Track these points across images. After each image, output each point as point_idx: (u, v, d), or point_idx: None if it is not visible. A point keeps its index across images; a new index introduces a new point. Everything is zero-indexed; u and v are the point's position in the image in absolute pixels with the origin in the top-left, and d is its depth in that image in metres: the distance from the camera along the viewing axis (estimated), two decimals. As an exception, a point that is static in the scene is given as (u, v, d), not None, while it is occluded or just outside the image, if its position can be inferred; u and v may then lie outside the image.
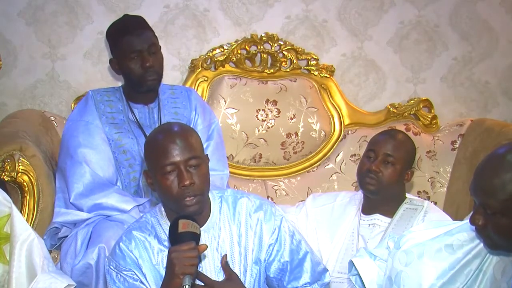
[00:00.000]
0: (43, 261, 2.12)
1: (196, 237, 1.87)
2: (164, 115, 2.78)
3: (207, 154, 2.07)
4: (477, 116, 3.64)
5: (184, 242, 1.84)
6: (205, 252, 1.97)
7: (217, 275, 2.03)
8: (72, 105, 3.33)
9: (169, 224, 2.02)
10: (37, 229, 2.54)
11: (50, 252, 2.51)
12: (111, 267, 2.02)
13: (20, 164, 2.64)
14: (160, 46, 2.77)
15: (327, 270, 2.22)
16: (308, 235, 2.57)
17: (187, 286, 1.80)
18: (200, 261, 1.88)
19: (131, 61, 2.66)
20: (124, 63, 2.68)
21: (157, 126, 2.73)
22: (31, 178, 2.66)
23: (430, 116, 3.58)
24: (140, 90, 2.73)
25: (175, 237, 1.86)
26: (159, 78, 2.75)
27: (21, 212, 2.40)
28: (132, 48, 2.65)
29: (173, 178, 1.94)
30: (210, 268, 2.03)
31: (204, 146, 2.71)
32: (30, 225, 2.35)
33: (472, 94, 3.72)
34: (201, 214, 2.01)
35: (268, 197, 3.33)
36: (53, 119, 3.23)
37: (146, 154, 2.03)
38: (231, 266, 2.05)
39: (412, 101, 3.59)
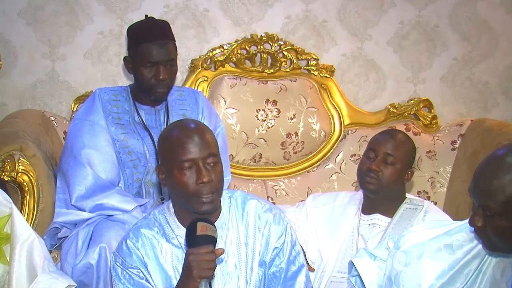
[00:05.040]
0: (44, 261, 2.12)
1: (214, 240, 1.87)
2: (172, 117, 2.76)
3: None
4: (477, 116, 3.64)
5: (202, 245, 1.84)
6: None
7: (223, 275, 2.03)
8: (72, 105, 3.34)
9: (177, 222, 2.02)
10: (37, 229, 2.54)
11: (50, 252, 2.50)
12: (117, 263, 2.01)
13: (20, 164, 2.64)
14: (177, 54, 2.74)
15: None
16: (308, 235, 2.57)
17: None
18: (216, 265, 1.88)
19: (145, 69, 2.64)
20: (138, 68, 2.66)
21: (163, 128, 2.72)
22: (31, 178, 2.66)
23: (430, 116, 3.58)
24: (147, 97, 2.73)
25: (193, 240, 1.86)
26: (168, 91, 2.74)
27: (21, 212, 2.40)
28: (150, 58, 2.62)
29: (190, 175, 1.93)
30: (217, 268, 2.01)
31: None
32: (30, 225, 2.35)
33: (472, 94, 3.72)
34: (214, 213, 2.01)
35: (268, 197, 3.34)
36: (53, 119, 3.23)
37: (161, 148, 2.02)
38: (237, 266, 2.04)
39: (412, 101, 3.60)
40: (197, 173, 1.92)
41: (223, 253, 1.89)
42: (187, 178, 1.93)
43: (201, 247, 1.84)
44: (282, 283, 2.08)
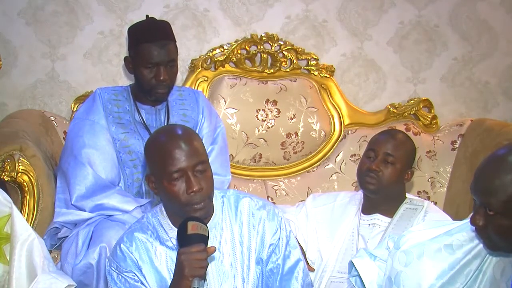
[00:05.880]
0: (44, 261, 2.12)
1: (205, 239, 1.87)
2: (173, 116, 2.77)
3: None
4: (477, 116, 3.64)
5: (193, 244, 1.84)
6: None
7: (219, 275, 2.03)
8: (72, 105, 3.34)
9: (170, 224, 2.02)
10: (37, 229, 2.54)
11: (50, 252, 2.50)
12: (112, 268, 2.02)
13: (20, 164, 2.64)
14: (178, 54, 2.74)
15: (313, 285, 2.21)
16: (308, 235, 2.57)
17: None
18: (208, 263, 1.88)
19: (146, 69, 2.64)
20: (138, 68, 2.66)
21: None
22: (31, 178, 2.66)
23: (430, 116, 3.58)
24: (148, 97, 2.73)
25: (184, 239, 1.86)
26: (169, 91, 2.73)
27: (21, 212, 2.40)
28: (151, 58, 2.62)
29: (180, 184, 1.92)
30: (212, 268, 2.02)
31: (208, 150, 2.70)
32: (30, 225, 2.35)
33: (472, 94, 3.72)
34: (207, 218, 2.01)
35: (268, 197, 3.34)
36: (53, 119, 3.23)
37: (149, 158, 2.01)
38: (233, 265, 2.04)
39: (412, 101, 3.60)
40: (187, 183, 1.92)
41: (215, 251, 1.89)
42: (177, 188, 1.92)
43: (192, 246, 1.84)
44: (280, 279, 2.08)
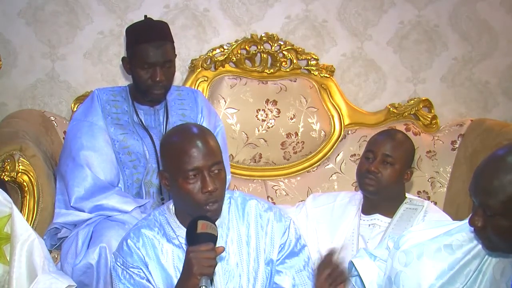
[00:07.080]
0: (44, 262, 2.12)
1: (214, 238, 1.88)
2: (171, 116, 2.77)
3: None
4: (477, 116, 3.64)
5: (202, 242, 1.85)
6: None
7: (225, 274, 2.03)
8: (72, 105, 3.34)
9: (178, 222, 2.03)
10: (37, 229, 2.54)
11: (50, 252, 2.51)
12: (118, 263, 2.02)
13: (20, 164, 2.65)
14: (176, 55, 2.74)
15: None
16: (308, 235, 2.57)
17: (204, 286, 1.82)
18: (216, 263, 1.88)
19: (142, 69, 2.64)
20: (135, 68, 2.66)
21: (163, 127, 2.73)
22: (31, 178, 2.66)
23: (430, 116, 3.58)
24: (145, 98, 2.73)
25: (194, 237, 1.87)
26: (166, 92, 2.73)
27: (21, 212, 2.40)
28: (147, 59, 2.62)
29: (195, 183, 1.93)
30: (218, 266, 2.02)
31: None
32: (30, 225, 2.35)
33: (472, 94, 3.72)
34: (218, 218, 2.01)
35: (268, 197, 3.34)
36: (53, 119, 3.23)
37: (164, 155, 2.01)
38: (239, 266, 2.05)
39: (412, 101, 3.60)
40: (202, 182, 1.93)
41: (223, 251, 1.90)
42: (192, 186, 1.93)
43: (201, 245, 1.85)
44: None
